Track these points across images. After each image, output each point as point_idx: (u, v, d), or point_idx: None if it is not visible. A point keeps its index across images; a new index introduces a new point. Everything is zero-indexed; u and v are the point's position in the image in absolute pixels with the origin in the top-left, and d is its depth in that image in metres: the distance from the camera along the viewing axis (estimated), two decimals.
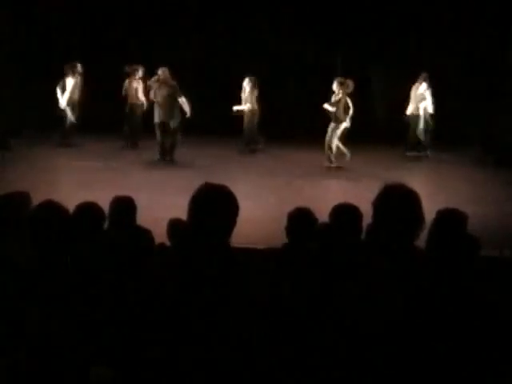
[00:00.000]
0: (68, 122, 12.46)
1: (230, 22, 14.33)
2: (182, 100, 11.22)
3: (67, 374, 3.01)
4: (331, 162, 11.34)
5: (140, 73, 12.34)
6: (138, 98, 12.37)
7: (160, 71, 11.17)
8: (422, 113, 12.44)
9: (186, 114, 11.29)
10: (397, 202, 2.83)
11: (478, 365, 3.00)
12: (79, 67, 12.45)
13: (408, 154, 12.56)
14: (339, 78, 11.27)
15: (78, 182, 10.01)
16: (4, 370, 2.92)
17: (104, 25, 14.16)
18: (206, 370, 2.60)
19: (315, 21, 14.05)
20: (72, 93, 12.38)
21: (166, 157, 11.35)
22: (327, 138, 11.27)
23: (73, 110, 12.44)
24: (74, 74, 12.36)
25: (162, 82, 11.09)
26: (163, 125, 11.19)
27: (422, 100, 12.43)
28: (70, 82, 12.34)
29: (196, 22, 14.23)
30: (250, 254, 3.03)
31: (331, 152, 11.31)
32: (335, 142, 11.26)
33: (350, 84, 11.11)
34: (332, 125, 11.22)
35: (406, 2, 13.71)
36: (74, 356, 3.06)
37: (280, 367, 3.25)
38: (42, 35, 13.98)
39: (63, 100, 12.29)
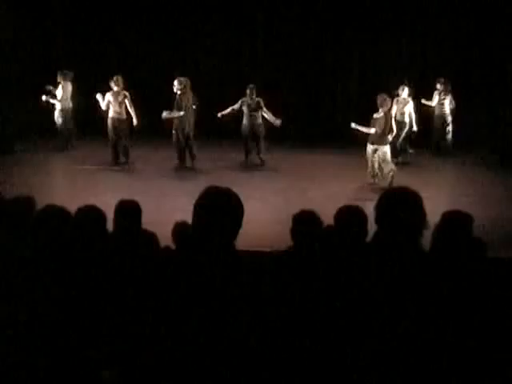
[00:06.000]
0: (61, 129, 12.43)
1: (234, 29, 14.33)
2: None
3: (77, 377, 3.02)
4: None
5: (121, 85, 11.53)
6: (121, 112, 11.54)
7: (183, 81, 11.17)
8: (407, 119, 11.95)
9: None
10: (398, 204, 2.84)
11: (482, 363, 3.01)
12: (71, 74, 12.36)
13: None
14: (383, 95, 10.21)
15: (82, 185, 10.02)
16: (14, 373, 2.92)
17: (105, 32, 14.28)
18: (211, 374, 2.60)
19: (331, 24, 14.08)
20: (65, 100, 12.33)
21: (186, 163, 11.53)
22: (377, 165, 10.17)
23: (66, 117, 12.37)
24: (65, 81, 12.30)
25: (186, 93, 11.24)
26: (185, 133, 11.31)
27: (405, 105, 11.96)
28: (59, 90, 12.28)
29: (202, 28, 14.25)
30: (255, 257, 3.03)
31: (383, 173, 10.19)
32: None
33: (388, 102, 10.25)
34: (379, 151, 10.14)
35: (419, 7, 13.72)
36: (83, 359, 3.06)
37: (285, 369, 3.25)
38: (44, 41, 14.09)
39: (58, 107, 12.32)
